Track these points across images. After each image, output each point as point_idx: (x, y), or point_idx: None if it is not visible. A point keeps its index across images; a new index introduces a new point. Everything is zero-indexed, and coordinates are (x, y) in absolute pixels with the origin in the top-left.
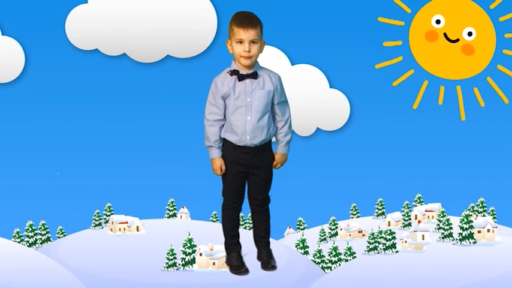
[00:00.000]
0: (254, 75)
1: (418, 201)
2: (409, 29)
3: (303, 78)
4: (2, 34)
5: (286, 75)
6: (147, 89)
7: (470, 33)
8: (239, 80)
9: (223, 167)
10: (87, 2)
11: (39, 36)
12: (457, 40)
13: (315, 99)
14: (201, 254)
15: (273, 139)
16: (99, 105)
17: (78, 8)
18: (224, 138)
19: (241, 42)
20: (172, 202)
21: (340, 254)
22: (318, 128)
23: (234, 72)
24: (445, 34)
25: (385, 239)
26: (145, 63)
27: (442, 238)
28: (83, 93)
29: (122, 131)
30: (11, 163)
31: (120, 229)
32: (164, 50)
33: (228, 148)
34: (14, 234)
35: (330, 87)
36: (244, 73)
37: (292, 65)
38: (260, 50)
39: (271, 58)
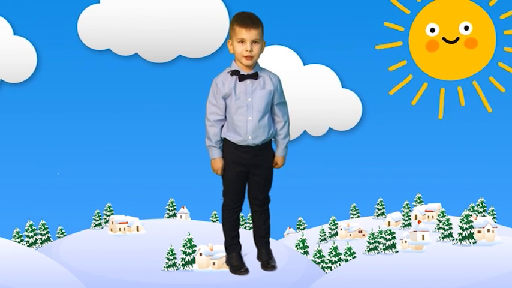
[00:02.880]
0: (255, 76)
1: (418, 201)
2: (409, 44)
3: (315, 78)
4: (14, 34)
5: (298, 75)
6: (158, 89)
7: (466, 27)
8: (240, 81)
9: (224, 167)
10: (99, 2)
11: (51, 36)
12: (457, 39)
13: (327, 99)
14: (201, 254)
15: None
16: (109, 105)
17: (90, 8)
18: (225, 138)
19: (243, 41)
20: (172, 202)
21: (340, 254)
22: (330, 128)
23: (234, 73)
24: (443, 38)
25: (385, 239)
26: (157, 63)
27: (442, 238)
28: (95, 94)
29: (123, 131)
30: (11, 163)
31: (120, 229)
32: (176, 50)
33: (229, 148)
34: (14, 234)
35: (342, 87)
36: (245, 73)
37: (305, 65)
38: (261, 50)
39: (284, 58)
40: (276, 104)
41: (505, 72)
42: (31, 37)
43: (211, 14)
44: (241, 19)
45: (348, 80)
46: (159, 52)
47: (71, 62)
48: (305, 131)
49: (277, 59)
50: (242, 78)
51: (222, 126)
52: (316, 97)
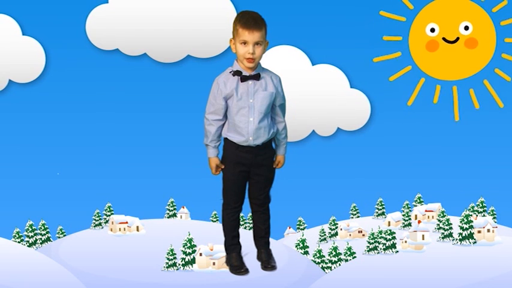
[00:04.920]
0: (257, 77)
1: (418, 201)
2: (408, 44)
3: (323, 78)
4: (23, 34)
5: (306, 75)
6: (167, 89)
7: (466, 27)
8: (242, 81)
9: (220, 166)
10: (107, 2)
11: (60, 36)
12: (457, 39)
13: (335, 99)
14: (201, 254)
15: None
16: (116, 106)
17: (98, 8)
18: (226, 138)
19: (245, 43)
20: (172, 202)
21: (340, 254)
22: (338, 128)
23: (236, 73)
24: (443, 38)
25: (385, 239)
26: (166, 63)
27: (442, 238)
28: (103, 94)
29: (126, 131)
30: (11, 163)
31: (120, 229)
32: (185, 50)
33: (230, 148)
34: (14, 234)
35: (351, 87)
36: (247, 74)
37: (313, 65)
38: (263, 51)
39: (292, 58)
40: (278, 105)
41: (503, 73)
42: (40, 37)
43: (220, 14)
44: (245, 20)
45: (356, 80)
46: (167, 52)
47: (80, 62)
48: (313, 130)
49: (286, 59)
50: (244, 79)
51: (222, 126)
52: (325, 97)
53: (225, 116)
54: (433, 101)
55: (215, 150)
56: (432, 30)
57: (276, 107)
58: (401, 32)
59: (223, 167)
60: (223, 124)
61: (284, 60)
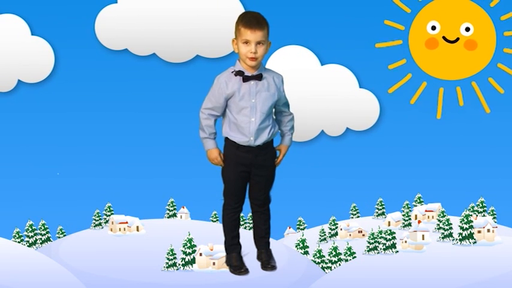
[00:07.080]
0: (259, 77)
1: (418, 201)
2: (408, 42)
3: (332, 78)
4: (32, 34)
5: (315, 75)
6: (176, 89)
7: (468, 29)
8: (244, 81)
9: (221, 156)
10: (116, 2)
11: (69, 36)
12: (457, 39)
13: (344, 99)
14: (201, 254)
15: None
16: (125, 106)
17: (107, 8)
18: (227, 138)
19: (247, 42)
20: (172, 202)
21: (340, 254)
22: (347, 128)
23: (238, 73)
24: (443, 37)
25: (385, 239)
26: (175, 63)
27: (442, 238)
28: (112, 94)
29: (127, 131)
30: (11, 163)
31: (120, 229)
32: (194, 50)
33: (230, 148)
34: (14, 234)
35: (360, 87)
36: (249, 74)
37: (322, 65)
38: (266, 51)
39: (301, 58)
40: (281, 105)
41: (504, 73)
42: (48, 37)
43: (229, 14)
44: (247, 20)
45: (365, 80)
46: (176, 52)
47: (89, 62)
48: (322, 131)
49: (295, 59)
50: (246, 79)
51: (215, 120)
52: (334, 97)
53: (222, 114)
54: (459, 103)
55: (214, 142)
56: (433, 28)
57: (279, 107)
58: (404, 30)
59: (222, 157)
60: (217, 119)
61: (293, 60)
